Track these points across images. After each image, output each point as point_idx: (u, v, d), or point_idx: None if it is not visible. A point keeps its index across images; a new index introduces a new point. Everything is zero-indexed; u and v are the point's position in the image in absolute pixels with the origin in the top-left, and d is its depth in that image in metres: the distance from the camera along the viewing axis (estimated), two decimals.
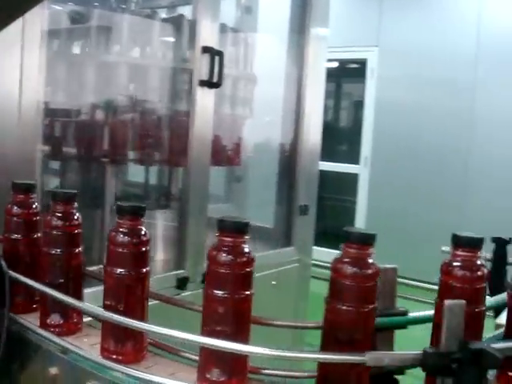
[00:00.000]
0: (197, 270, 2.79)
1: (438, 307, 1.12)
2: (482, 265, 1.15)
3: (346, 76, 8.64)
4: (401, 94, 7.02)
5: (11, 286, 1.43)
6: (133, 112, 2.82)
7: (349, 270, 1.10)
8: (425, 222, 6.58)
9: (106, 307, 1.28)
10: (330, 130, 8.30)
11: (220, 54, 2.76)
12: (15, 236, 1.53)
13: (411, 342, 1.17)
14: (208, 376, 1.15)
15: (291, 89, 3.52)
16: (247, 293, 1.16)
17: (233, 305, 1.15)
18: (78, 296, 1.44)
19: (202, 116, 2.75)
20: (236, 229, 1.16)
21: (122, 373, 1.20)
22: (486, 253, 2.13)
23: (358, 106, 7.67)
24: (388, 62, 7.13)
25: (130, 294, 1.29)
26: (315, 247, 4.16)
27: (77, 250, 1.44)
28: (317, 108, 3.53)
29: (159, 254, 3.00)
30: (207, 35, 2.76)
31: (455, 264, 1.14)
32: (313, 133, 3.49)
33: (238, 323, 1.16)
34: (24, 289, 1.51)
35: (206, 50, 2.73)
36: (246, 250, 1.17)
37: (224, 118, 3.34)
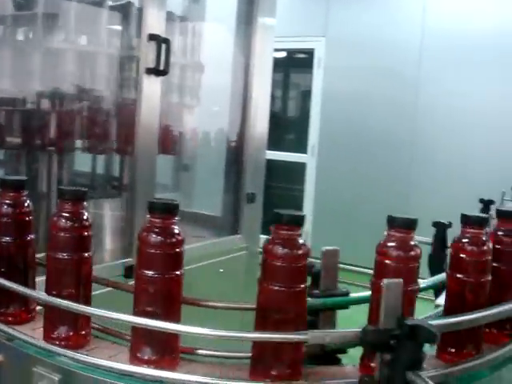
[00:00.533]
0: None
1: (374, 286, 1.16)
2: (415, 245, 1.19)
3: (294, 66, 8.68)
4: (347, 84, 7.11)
5: None
6: (79, 100, 2.80)
7: (279, 250, 1.12)
8: (371, 209, 6.69)
9: (48, 292, 1.27)
10: (278, 120, 8.34)
11: (167, 41, 2.75)
12: None
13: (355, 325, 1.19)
14: (139, 355, 1.17)
15: (238, 78, 3.53)
16: (177, 273, 1.17)
17: (163, 285, 1.16)
18: (30, 284, 1.42)
19: (149, 104, 2.73)
20: (166, 210, 1.17)
21: (65, 356, 1.20)
22: (428, 237, 2.20)
23: (306, 95, 7.72)
24: (335, 53, 7.20)
25: (72, 278, 1.29)
26: (263, 235, 4.18)
27: (28, 238, 1.42)
28: (264, 97, 3.55)
29: (107, 243, 2.99)
30: (154, 23, 2.74)
31: (389, 244, 1.18)
32: (260, 122, 3.51)
33: (169, 303, 1.18)
34: None
35: (153, 37, 2.71)
36: (176, 231, 1.18)
37: (171, 107, 3.34)
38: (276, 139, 8.02)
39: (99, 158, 3.19)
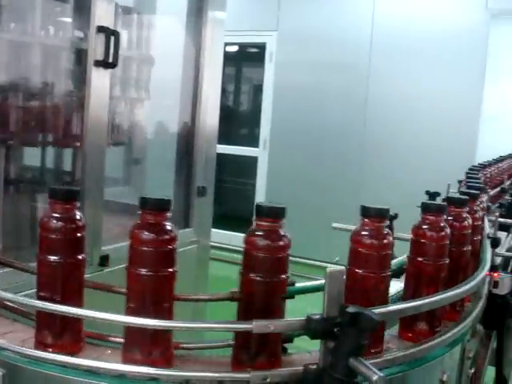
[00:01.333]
0: (94, 253, 2.77)
1: (347, 273, 1.20)
2: (387, 233, 1.23)
3: (247, 60, 8.70)
4: (299, 78, 7.15)
5: None
6: (26, 93, 2.76)
7: (261, 242, 1.14)
8: (323, 202, 6.77)
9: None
10: (230, 114, 8.36)
11: (115, 33, 2.73)
12: None
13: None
14: (132, 355, 1.15)
15: (189, 71, 3.53)
16: (170, 270, 1.15)
17: (155, 282, 1.14)
18: None
19: (98, 96, 2.70)
20: (157, 206, 1.15)
21: (13, 351, 1.18)
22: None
23: (258, 89, 7.75)
24: (286, 47, 7.24)
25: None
26: (216, 230, 4.19)
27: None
28: (214, 90, 3.55)
29: None
30: (102, 15, 2.71)
31: (363, 233, 1.23)
32: (210, 115, 3.51)
33: (161, 300, 1.16)
34: None
35: (101, 29, 2.68)
36: (169, 227, 1.16)
37: (121, 99, 3.32)
38: (228, 133, 8.04)
39: (48, 152, 3.15)
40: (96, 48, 2.68)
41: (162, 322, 1.11)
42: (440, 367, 1.37)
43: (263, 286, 1.13)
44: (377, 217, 1.24)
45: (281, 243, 1.15)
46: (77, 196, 1.20)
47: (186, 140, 3.54)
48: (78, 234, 1.18)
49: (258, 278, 1.13)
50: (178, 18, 3.67)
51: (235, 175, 8.31)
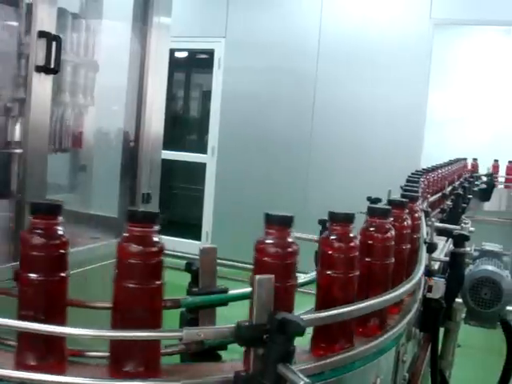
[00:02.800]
0: None
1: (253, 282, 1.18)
2: (292, 242, 1.22)
3: (196, 66, 8.70)
4: (247, 84, 7.18)
5: None
6: None
7: (133, 248, 1.12)
8: (270, 208, 6.78)
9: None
10: (179, 120, 8.34)
11: (57, 39, 2.70)
12: None
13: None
14: (26, 361, 1.14)
15: (134, 77, 3.51)
16: (62, 275, 1.14)
17: (46, 287, 1.13)
18: None
19: (39, 102, 2.68)
20: (49, 211, 1.13)
21: None
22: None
23: (207, 95, 7.75)
24: (234, 54, 7.26)
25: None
26: (165, 236, 4.15)
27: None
28: (160, 96, 3.55)
29: None
30: (44, 19, 2.69)
31: (267, 241, 1.21)
32: (155, 122, 3.49)
33: (53, 305, 1.14)
34: None
35: (43, 34, 2.66)
36: (60, 232, 1.14)
37: (65, 105, 3.28)
38: (177, 140, 8.02)
39: None
40: (37, 53, 2.65)
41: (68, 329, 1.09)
42: (373, 371, 1.39)
43: (135, 293, 1.11)
44: (280, 224, 1.22)
45: (154, 249, 1.12)
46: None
47: (131, 146, 3.52)
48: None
49: (130, 285, 1.11)
50: (123, 24, 3.65)
51: (185, 181, 8.30)
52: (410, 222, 1.72)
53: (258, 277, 1.05)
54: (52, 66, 2.69)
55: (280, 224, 1.21)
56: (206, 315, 1.28)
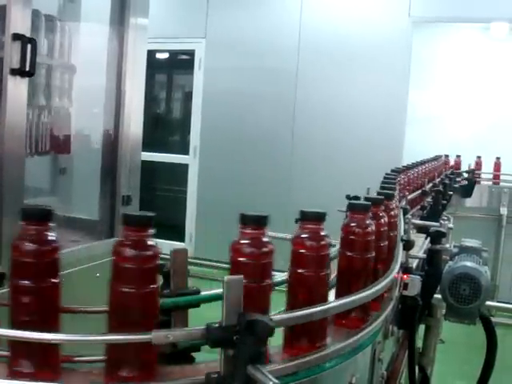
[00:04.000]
0: None
1: None
2: (267, 242, 1.22)
3: (178, 67, 8.68)
4: (228, 84, 7.17)
5: None
6: None
7: (128, 252, 1.11)
8: (253, 207, 6.77)
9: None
10: (161, 121, 8.32)
11: (32, 41, 2.68)
12: None
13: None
14: (18, 369, 1.11)
15: (112, 79, 3.49)
16: (54, 281, 1.12)
17: (39, 294, 1.11)
18: None
19: (15, 105, 2.65)
20: (40, 217, 1.11)
21: None
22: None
23: (189, 96, 7.73)
24: (215, 54, 7.26)
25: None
26: None
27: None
28: (138, 98, 3.53)
29: None
30: (18, 22, 2.66)
31: (243, 242, 1.21)
32: (134, 123, 3.47)
33: (46, 312, 1.13)
34: None
35: (17, 37, 2.63)
36: (52, 237, 1.12)
37: (43, 108, 3.26)
38: (159, 141, 8.00)
39: None
40: (12, 56, 2.63)
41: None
42: (349, 370, 1.38)
43: (131, 297, 1.10)
44: (255, 224, 1.23)
45: (149, 253, 1.12)
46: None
47: (110, 148, 3.50)
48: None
49: (125, 289, 1.10)
50: (100, 26, 3.63)
51: (168, 183, 8.27)
52: (386, 219, 1.72)
53: (226, 277, 1.05)
54: (27, 69, 2.66)
55: (254, 224, 1.21)
56: (178, 317, 1.27)
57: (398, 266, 1.68)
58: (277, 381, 0.97)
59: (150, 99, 7.73)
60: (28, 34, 2.69)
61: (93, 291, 2.48)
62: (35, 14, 2.99)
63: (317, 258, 1.28)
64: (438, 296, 2.17)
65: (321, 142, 6.81)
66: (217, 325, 1.05)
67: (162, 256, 1.26)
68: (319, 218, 1.30)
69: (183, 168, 7.55)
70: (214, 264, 5.79)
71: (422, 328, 2.50)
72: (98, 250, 3.29)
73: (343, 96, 6.69)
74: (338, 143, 6.74)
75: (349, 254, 1.47)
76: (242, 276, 1.06)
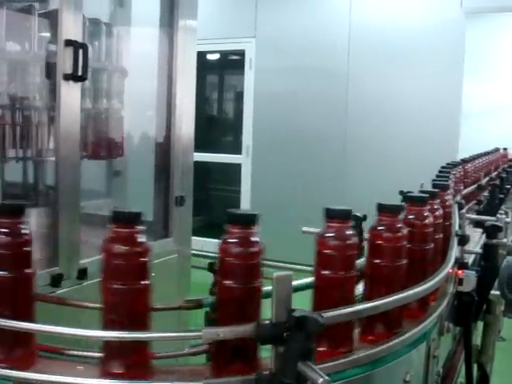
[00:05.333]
0: (71, 267, 2.76)
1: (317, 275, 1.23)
2: (352, 234, 1.25)
3: (229, 68, 8.72)
4: (278, 83, 7.16)
5: None
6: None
7: (234, 249, 1.13)
8: (307, 205, 6.77)
9: None
10: (213, 122, 8.37)
11: (84, 46, 2.73)
12: None
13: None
14: (110, 369, 1.14)
15: (163, 81, 3.53)
16: (144, 282, 1.15)
17: (130, 295, 1.14)
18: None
19: (68, 110, 2.70)
20: (129, 219, 1.15)
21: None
22: None
23: (240, 96, 7.76)
24: (265, 53, 7.26)
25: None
26: (201, 238, 4.18)
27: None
28: (189, 99, 3.55)
29: (36, 253, 2.93)
30: (70, 28, 2.71)
31: (328, 235, 1.25)
32: (185, 124, 3.50)
33: (138, 313, 1.16)
34: None
35: (69, 43, 2.68)
36: (141, 239, 1.16)
37: (97, 112, 3.31)
38: (211, 141, 8.05)
39: (23, 166, 3.14)
40: (65, 61, 2.68)
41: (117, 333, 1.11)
42: (403, 367, 1.37)
43: (237, 292, 1.13)
44: (340, 218, 1.25)
45: (254, 249, 1.16)
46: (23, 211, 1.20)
47: (163, 150, 3.54)
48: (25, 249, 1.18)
49: (231, 285, 1.14)
50: (150, 29, 3.68)
51: (221, 183, 8.32)
52: (441, 212, 1.70)
53: (275, 274, 1.05)
54: (80, 74, 2.71)
55: (339, 217, 1.27)
56: None
57: (452, 261, 1.65)
58: (327, 377, 0.96)
59: (202, 100, 7.79)
60: (80, 40, 2.74)
61: None
62: (89, 20, 3.05)
63: (394, 249, 1.31)
64: (496, 292, 2.12)
65: (374, 138, 6.74)
66: (267, 322, 1.05)
67: (212, 254, 1.27)
68: (396, 210, 1.34)
69: (236, 168, 7.59)
70: (268, 262, 5.79)
71: (481, 325, 2.45)
72: (153, 250, 3.33)
73: (396, 92, 6.60)
74: (391, 139, 6.66)
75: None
76: (291, 273, 1.05)
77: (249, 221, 1.19)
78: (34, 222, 2.98)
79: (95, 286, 2.02)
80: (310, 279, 1.35)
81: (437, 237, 1.61)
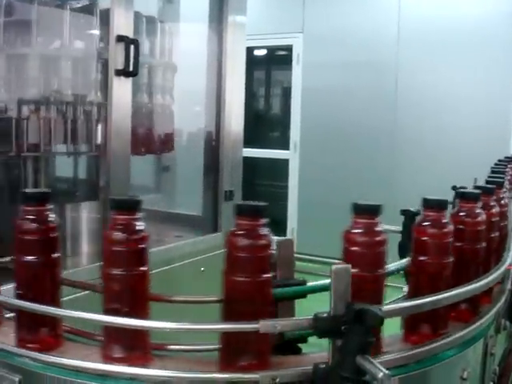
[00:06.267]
0: None
1: None
2: (380, 231, 1.21)
3: (276, 63, 8.71)
4: (326, 78, 7.12)
5: None
6: (50, 104, 2.79)
7: (241, 241, 1.13)
8: (356, 200, 6.72)
9: (18, 296, 1.26)
10: (261, 118, 8.37)
11: (135, 42, 2.75)
12: None
13: None
14: (109, 353, 1.17)
15: (212, 77, 3.54)
16: (142, 269, 1.17)
17: (129, 282, 1.16)
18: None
19: (119, 105, 2.74)
20: (128, 206, 1.17)
21: (27, 357, 1.20)
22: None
23: (287, 92, 7.74)
24: (313, 48, 7.21)
25: (40, 280, 1.28)
26: None
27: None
28: (238, 95, 3.56)
29: (85, 247, 2.99)
30: (121, 24, 2.75)
31: (355, 231, 1.21)
32: (235, 120, 3.51)
33: (137, 299, 1.18)
34: None
35: (121, 38, 2.72)
36: (140, 227, 1.18)
37: (146, 108, 3.34)
38: (259, 137, 8.06)
39: (73, 162, 3.18)
40: (116, 57, 2.72)
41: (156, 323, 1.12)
42: (460, 364, 1.35)
43: (246, 286, 1.12)
44: (368, 213, 1.24)
45: (262, 242, 1.14)
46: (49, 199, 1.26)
47: (212, 145, 3.56)
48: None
49: (240, 279, 1.13)
50: (199, 25, 3.70)
51: (268, 178, 8.31)
52: (497, 209, 1.66)
53: (334, 267, 1.04)
54: (131, 69, 2.74)
55: (367, 213, 1.25)
56: (284, 308, 1.27)
57: (510, 258, 1.62)
58: (387, 371, 0.95)
59: (250, 96, 7.79)
60: (131, 36, 2.77)
61: (198, 285, 2.54)
62: (137, 16, 3.07)
63: (439, 245, 1.28)
64: None
65: (424, 133, 6.64)
66: (324, 315, 1.05)
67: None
68: (442, 205, 1.30)
69: (284, 163, 7.58)
70: (316, 258, 5.77)
71: None
72: (203, 244, 3.35)
73: (447, 84, 6.48)
74: (441, 134, 6.55)
75: (458, 244, 1.41)
76: (349, 265, 1.05)
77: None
78: (87, 216, 3.04)
79: None
80: None
81: (492, 235, 1.58)
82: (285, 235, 7.27)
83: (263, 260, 1.13)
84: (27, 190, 1.32)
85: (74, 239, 2.96)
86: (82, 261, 2.84)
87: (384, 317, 1.01)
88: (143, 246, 1.18)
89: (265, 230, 1.16)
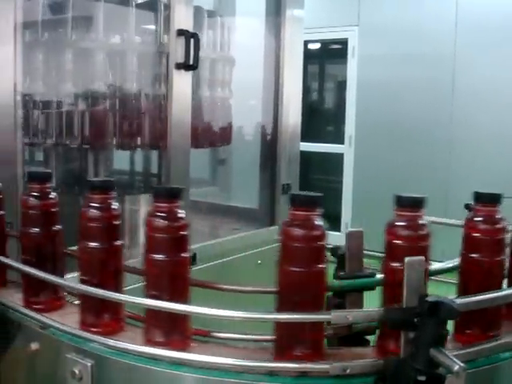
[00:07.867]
0: None
1: (385, 267, 1.17)
2: (423, 224, 1.18)
3: (330, 57, 8.66)
4: (382, 71, 7.04)
5: None
6: (112, 98, 2.84)
7: (296, 232, 1.13)
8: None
9: (82, 281, 1.31)
10: (315, 111, 8.33)
11: (195, 36, 2.78)
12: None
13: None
14: (151, 337, 1.19)
15: (270, 71, 3.55)
16: (183, 255, 1.20)
17: (170, 267, 1.19)
18: (59, 274, 1.46)
19: (180, 99, 2.77)
20: (170, 195, 1.20)
21: (97, 342, 1.23)
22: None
23: (342, 85, 7.69)
24: (368, 42, 7.15)
25: (103, 267, 1.32)
26: None
27: (55, 228, 1.47)
28: (295, 88, 3.56)
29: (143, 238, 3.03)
30: (182, 18, 2.78)
31: (399, 224, 1.19)
32: (292, 113, 3.51)
33: (178, 285, 1.21)
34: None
35: (181, 32, 2.74)
36: (181, 214, 1.21)
37: (204, 101, 3.36)
38: (313, 131, 8.03)
39: (134, 155, 3.23)
40: (176, 51, 2.74)
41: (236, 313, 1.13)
42: None
43: (300, 278, 1.13)
44: (412, 206, 1.21)
45: (317, 232, 1.14)
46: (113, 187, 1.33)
47: (270, 139, 3.56)
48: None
49: (295, 269, 1.13)
50: (257, 19, 3.70)
51: (322, 172, 8.28)
52: None
53: (407, 259, 1.03)
54: (191, 63, 2.77)
55: (412, 206, 1.21)
56: (353, 299, 1.27)
57: None
58: (463, 364, 0.94)
59: (304, 90, 7.76)
60: (191, 30, 2.79)
61: (255, 277, 2.55)
62: (197, 10, 3.09)
63: (491, 242, 1.23)
64: None
65: (482, 126, 6.49)
66: (396, 307, 1.04)
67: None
68: (495, 199, 1.24)
69: (338, 157, 7.53)
70: (371, 253, 5.73)
71: None
72: (259, 237, 3.36)
73: (505, 78, 6.33)
74: (501, 127, 6.39)
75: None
76: (423, 257, 1.04)
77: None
78: (144, 209, 3.08)
79: (204, 270, 2.09)
80: None
81: None
82: (339, 230, 7.24)
83: (317, 250, 1.13)
84: (92, 179, 1.37)
85: (133, 231, 3.01)
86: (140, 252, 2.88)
87: (459, 310, 0.99)
88: (184, 232, 1.20)
89: (319, 221, 1.15)
